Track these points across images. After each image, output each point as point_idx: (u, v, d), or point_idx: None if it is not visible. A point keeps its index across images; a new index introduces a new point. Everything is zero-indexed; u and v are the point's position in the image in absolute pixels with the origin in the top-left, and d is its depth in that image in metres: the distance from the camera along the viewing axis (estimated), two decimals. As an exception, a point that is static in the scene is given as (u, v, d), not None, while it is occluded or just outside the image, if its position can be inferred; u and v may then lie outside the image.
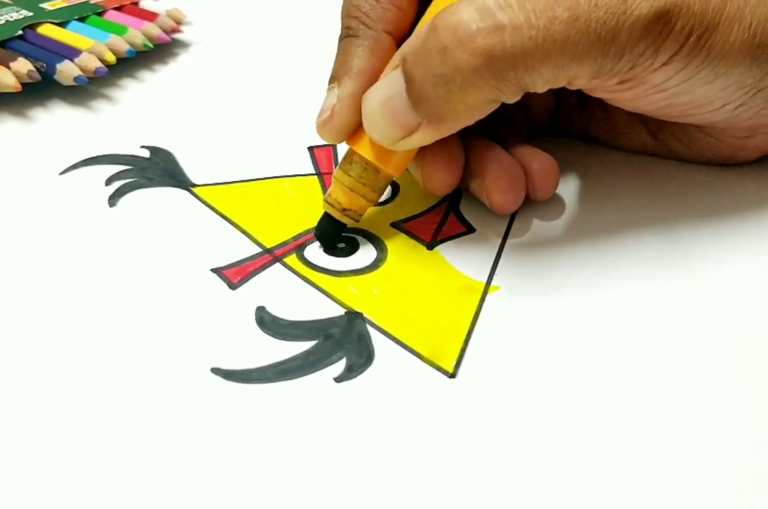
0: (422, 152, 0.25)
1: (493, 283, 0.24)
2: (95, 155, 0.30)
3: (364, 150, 0.24)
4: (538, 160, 0.26)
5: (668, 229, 0.26)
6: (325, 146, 0.30)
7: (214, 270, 0.25)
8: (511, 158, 0.25)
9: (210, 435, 0.20)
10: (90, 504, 0.18)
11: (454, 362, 0.22)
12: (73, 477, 0.19)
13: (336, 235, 0.26)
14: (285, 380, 0.21)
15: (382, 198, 0.27)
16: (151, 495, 0.19)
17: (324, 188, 0.28)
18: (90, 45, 0.33)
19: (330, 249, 0.26)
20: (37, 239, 0.26)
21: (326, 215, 0.25)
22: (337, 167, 0.25)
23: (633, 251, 0.25)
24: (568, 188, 0.28)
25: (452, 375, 0.21)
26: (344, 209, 0.25)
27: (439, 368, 0.22)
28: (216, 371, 0.22)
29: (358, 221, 0.25)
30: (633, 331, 0.23)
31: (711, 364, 0.22)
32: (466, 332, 0.23)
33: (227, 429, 0.20)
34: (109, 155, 0.30)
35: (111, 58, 0.33)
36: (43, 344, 0.22)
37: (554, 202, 0.27)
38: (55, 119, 0.33)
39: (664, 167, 0.29)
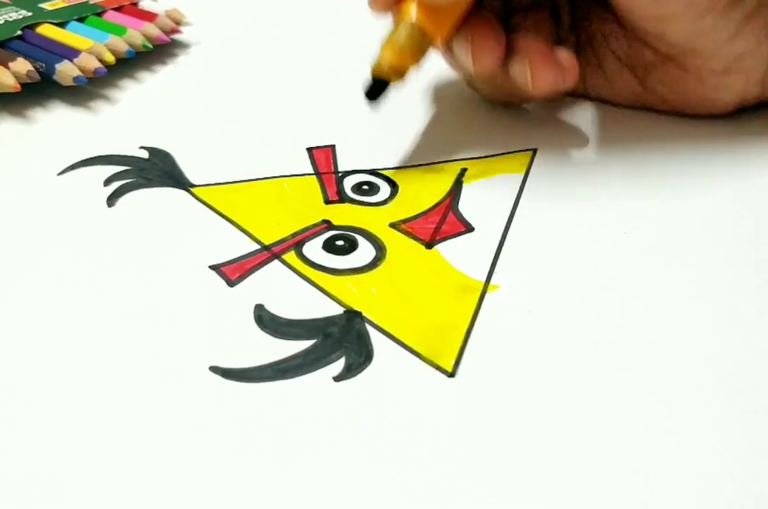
0: (466, 28, 0.27)
1: (492, 282, 0.24)
2: (94, 155, 0.30)
3: (411, 12, 0.26)
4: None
5: (673, 225, 0.26)
6: (323, 147, 0.30)
7: (212, 267, 0.25)
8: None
9: (208, 434, 0.20)
10: (86, 502, 0.18)
11: (453, 361, 0.22)
12: (69, 474, 0.19)
13: (382, 91, 0.28)
14: (284, 379, 0.21)
15: (381, 198, 0.28)
16: (147, 492, 0.19)
17: (323, 188, 0.28)
18: (89, 45, 0.33)
19: (375, 102, 0.28)
20: (36, 239, 0.26)
21: (373, 77, 0.27)
22: (387, 35, 0.27)
23: (634, 248, 0.25)
24: (570, 187, 0.28)
25: (451, 374, 0.21)
26: (392, 68, 0.27)
27: (438, 367, 0.22)
28: (214, 369, 0.22)
29: (402, 79, 0.27)
30: (633, 332, 0.23)
31: (714, 373, 0.22)
32: (465, 331, 0.22)
33: (225, 427, 0.20)
34: (107, 156, 0.30)
35: (110, 58, 0.33)
36: (41, 344, 0.22)
37: (556, 199, 0.27)
38: (54, 119, 0.33)
39: (664, 161, 0.29)
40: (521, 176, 0.28)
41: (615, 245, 0.25)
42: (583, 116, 0.32)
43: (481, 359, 0.22)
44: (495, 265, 0.25)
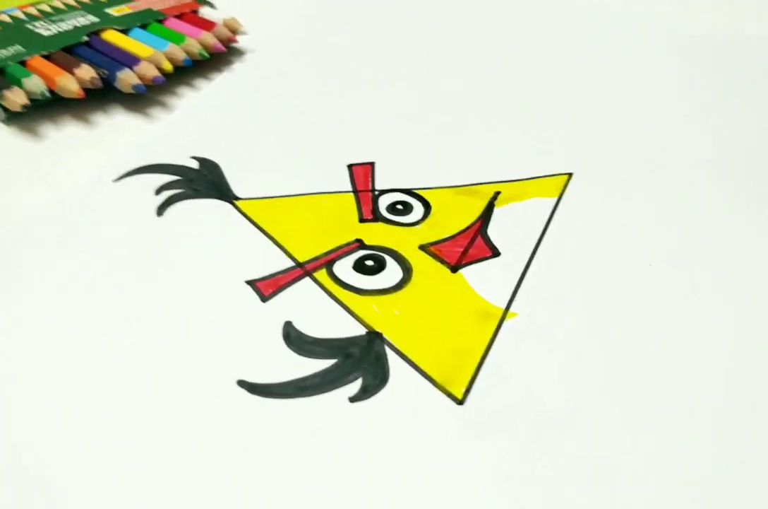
0: None
1: (512, 309, 0.25)
2: (149, 163, 0.32)
3: None
4: None
5: (701, 260, 0.26)
6: (363, 164, 0.31)
7: (248, 282, 0.26)
8: None
9: (229, 445, 0.22)
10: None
11: (463, 389, 0.23)
12: (90, 484, 0.21)
13: None
14: (304, 396, 0.23)
15: (414, 219, 0.28)
16: (164, 496, 0.20)
17: (359, 206, 0.29)
18: (150, 54, 0.35)
19: None
20: (86, 242, 0.28)
21: None
22: None
23: (658, 281, 0.26)
24: (602, 214, 0.28)
25: (460, 402, 0.22)
26: None
27: (448, 394, 0.23)
28: (241, 383, 0.23)
29: None
30: (652, 370, 0.23)
31: (734, 404, 0.22)
32: (479, 359, 0.23)
33: (243, 439, 0.22)
34: (160, 165, 0.32)
35: (168, 67, 0.35)
36: (73, 344, 0.24)
37: (586, 226, 0.28)
38: (114, 125, 0.34)
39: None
40: (554, 200, 0.29)
41: (639, 277, 0.26)
42: (621, 141, 0.32)
43: (491, 389, 0.23)
44: (516, 292, 0.26)
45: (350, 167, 0.31)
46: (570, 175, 0.30)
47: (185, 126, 0.34)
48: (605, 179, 0.30)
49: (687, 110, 0.34)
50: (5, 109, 0.34)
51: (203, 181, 0.31)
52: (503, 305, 0.25)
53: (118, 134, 0.34)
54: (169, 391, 0.23)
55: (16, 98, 0.33)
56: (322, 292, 0.26)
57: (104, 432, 0.22)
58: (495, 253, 0.27)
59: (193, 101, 0.35)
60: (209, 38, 0.36)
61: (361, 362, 0.24)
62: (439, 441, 0.21)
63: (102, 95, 0.35)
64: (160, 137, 0.33)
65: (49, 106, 0.35)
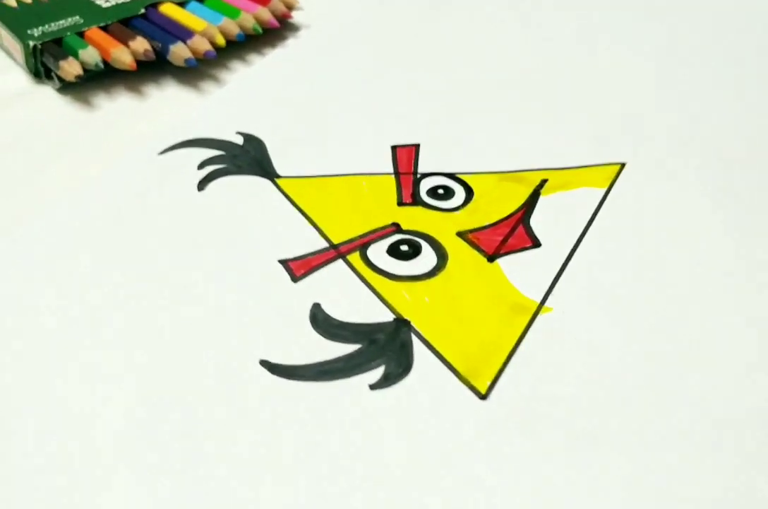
0: None
1: (547, 303, 0.24)
2: (195, 137, 0.32)
3: None
4: None
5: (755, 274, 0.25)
6: (407, 145, 0.30)
7: (281, 261, 0.26)
8: None
9: (246, 424, 0.21)
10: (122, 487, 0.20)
11: (488, 383, 0.22)
12: (111, 456, 0.21)
13: None
14: (325, 380, 0.22)
15: (455, 204, 0.28)
16: (187, 470, 0.20)
17: (399, 189, 0.29)
18: (203, 27, 0.35)
19: None
20: (126, 215, 0.28)
21: None
22: None
23: (706, 287, 0.24)
24: (652, 208, 0.27)
25: (483, 396, 0.22)
26: None
27: (472, 388, 0.22)
28: (264, 363, 0.23)
29: None
30: (688, 377, 0.22)
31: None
32: (507, 353, 0.23)
33: (264, 420, 0.21)
34: (206, 139, 0.32)
35: (221, 41, 0.35)
36: (104, 313, 0.24)
37: (633, 220, 0.26)
38: (165, 98, 0.34)
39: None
40: (603, 191, 0.28)
41: (687, 280, 0.24)
42: (679, 131, 0.30)
43: (516, 385, 0.22)
44: (554, 286, 0.24)
45: (394, 148, 0.30)
46: (622, 165, 0.28)
47: (234, 101, 0.34)
48: (659, 171, 0.28)
49: (759, 100, 0.32)
50: (60, 79, 0.34)
51: (246, 157, 0.31)
52: (538, 299, 0.24)
53: (169, 107, 0.34)
54: (192, 366, 0.23)
55: (71, 69, 0.33)
56: (354, 275, 0.26)
57: (124, 399, 0.22)
58: (536, 243, 0.26)
59: (244, 76, 0.35)
60: (264, 13, 0.36)
61: (385, 349, 0.23)
62: (458, 435, 0.21)
63: (156, 68, 0.35)
64: (209, 111, 0.33)
65: (103, 77, 0.35)
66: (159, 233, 0.27)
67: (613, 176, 0.28)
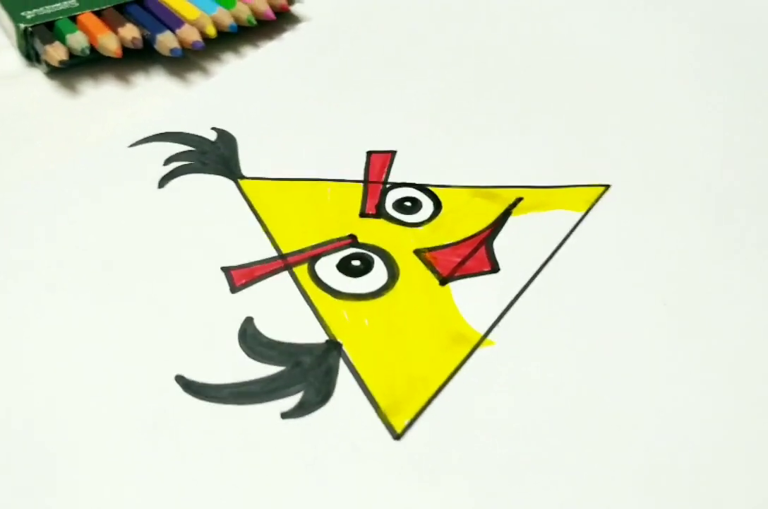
0: None
1: (491, 336, 0.22)
2: (172, 129, 0.30)
3: None
4: None
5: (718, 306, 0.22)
6: (384, 152, 0.28)
7: (224, 269, 0.25)
8: None
9: (144, 440, 0.20)
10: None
11: (406, 422, 0.20)
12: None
13: None
14: (238, 403, 0.21)
15: (420, 218, 0.26)
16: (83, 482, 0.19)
17: (364, 198, 0.27)
18: (196, 16, 0.33)
19: None
20: (80, 205, 0.27)
21: None
22: None
23: (671, 324, 0.22)
24: (628, 238, 0.24)
25: (398, 436, 0.20)
26: None
27: (388, 425, 0.20)
28: (179, 379, 0.22)
29: None
30: (617, 424, 0.19)
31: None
32: (434, 391, 0.21)
33: (165, 437, 0.20)
34: (178, 134, 0.30)
35: (212, 31, 0.33)
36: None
37: (605, 250, 0.24)
38: (151, 88, 0.33)
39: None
40: (580, 215, 0.25)
41: (650, 317, 0.22)
42: (675, 156, 0.27)
43: (435, 426, 0.20)
44: (502, 317, 0.22)
45: (369, 154, 0.28)
46: (606, 187, 0.26)
47: (217, 94, 0.32)
48: (646, 197, 0.26)
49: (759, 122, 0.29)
50: (47, 63, 0.33)
51: (215, 154, 0.29)
52: (483, 330, 0.22)
53: (152, 97, 0.33)
54: (103, 371, 0.22)
55: (56, 53, 0.32)
56: (296, 289, 0.24)
57: (28, 399, 0.21)
58: (494, 268, 0.24)
59: (234, 69, 0.34)
60: (261, 5, 0.34)
61: (308, 375, 0.21)
62: (361, 476, 0.19)
63: (147, 56, 0.34)
64: (191, 103, 0.32)
65: (94, 63, 0.34)
66: (106, 228, 0.26)
67: (593, 199, 0.25)
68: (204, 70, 0.34)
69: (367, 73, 0.33)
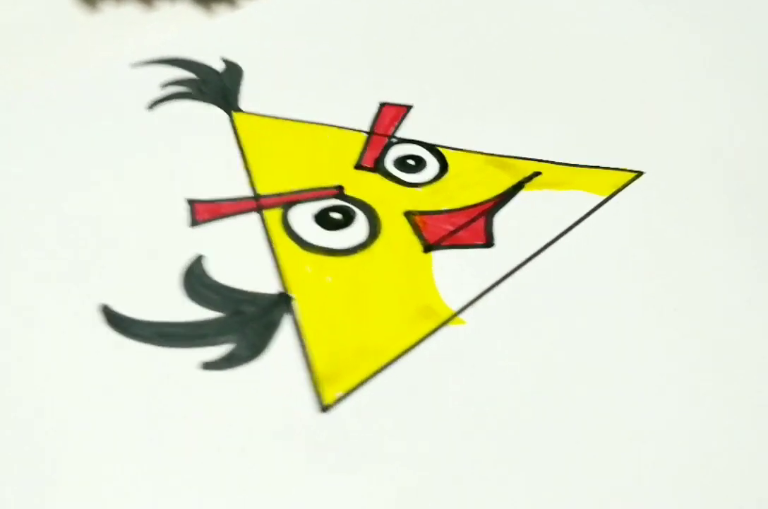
0: None
1: (463, 314, 0.19)
2: (180, 56, 0.28)
3: None
4: None
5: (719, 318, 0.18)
6: (398, 105, 0.25)
7: (189, 201, 0.22)
8: None
9: (62, 375, 0.17)
10: None
11: (338, 395, 0.17)
12: None
13: None
14: (161, 345, 0.18)
15: (421, 179, 0.23)
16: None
17: (364, 150, 0.24)
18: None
19: None
20: (67, 120, 0.25)
21: None
22: None
23: (674, 332, 0.18)
24: (647, 232, 0.21)
25: (325, 408, 0.17)
26: None
27: (318, 395, 0.17)
28: (105, 309, 0.19)
29: None
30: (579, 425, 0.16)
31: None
32: (382, 365, 0.17)
33: (72, 373, 0.17)
34: (185, 60, 0.28)
35: (248, -39, 0.31)
36: None
37: (618, 242, 0.21)
38: (173, 12, 0.31)
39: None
40: (601, 199, 0.22)
41: (649, 322, 0.18)
42: (720, 145, 0.24)
43: (374, 404, 0.17)
44: (481, 297, 0.19)
45: (382, 105, 0.25)
46: (638, 174, 0.22)
47: (238, 27, 0.30)
48: (677, 191, 0.22)
49: None
50: (70, -27, 0.31)
51: (216, 84, 0.26)
52: (456, 308, 0.19)
53: (171, 23, 0.30)
54: (31, 293, 0.19)
55: (79, -39, 0.30)
56: (262, 234, 0.21)
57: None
58: (489, 243, 0.21)
59: (262, 4, 0.31)
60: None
61: (245, 326, 0.18)
62: (272, 449, 0.16)
63: (178, -19, 0.32)
64: (207, 32, 0.29)
65: (122, -18, 0.32)
66: (85, 143, 0.24)
67: (621, 184, 0.22)
68: (231, 2, 0.31)
69: (400, 26, 0.29)
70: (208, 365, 0.18)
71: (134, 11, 0.31)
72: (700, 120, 0.24)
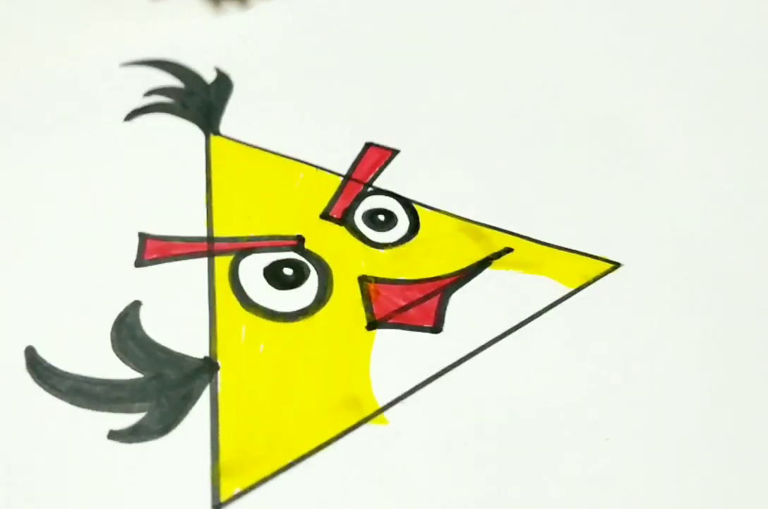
0: None
1: (387, 412, 0.18)
2: (173, 56, 0.27)
3: None
4: None
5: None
6: (385, 148, 0.24)
7: (142, 234, 0.21)
8: None
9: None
10: None
11: (236, 490, 0.16)
12: None
13: None
14: (75, 403, 0.18)
15: (387, 239, 0.21)
16: None
17: (335, 197, 0.22)
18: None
19: None
20: (41, 117, 0.24)
21: None
22: None
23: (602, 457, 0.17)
24: (609, 337, 0.20)
25: (218, 506, 0.16)
26: None
27: (216, 487, 0.16)
28: (28, 352, 0.18)
29: None
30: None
31: None
32: (288, 462, 0.17)
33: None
34: (176, 65, 0.26)
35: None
36: None
37: (573, 345, 0.19)
38: (183, 6, 0.29)
39: None
40: (567, 291, 0.20)
41: (579, 448, 0.17)
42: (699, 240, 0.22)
43: (267, 505, 0.16)
44: (413, 392, 0.18)
45: (368, 145, 0.24)
46: (616, 266, 0.21)
47: (241, 30, 0.28)
48: (656, 289, 0.20)
49: None
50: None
51: (201, 98, 0.25)
52: (382, 403, 0.18)
53: (174, 18, 0.29)
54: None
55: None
56: (206, 283, 0.20)
57: None
58: (437, 327, 0.19)
59: (272, 6, 0.29)
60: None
61: (161, 394, 0.18)
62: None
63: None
64: (207, 32, 0.28)
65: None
66: (52, 149, 0.23)
67: (593, 276, 0.20)
68: (242, 2, 0.30)
69: (400, 62, 0.27)
70: (113, 435, 0.17)
71: (145, 2, 0.30)
72: (686, 216, 0.22)
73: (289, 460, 0.17)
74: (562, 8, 0.29)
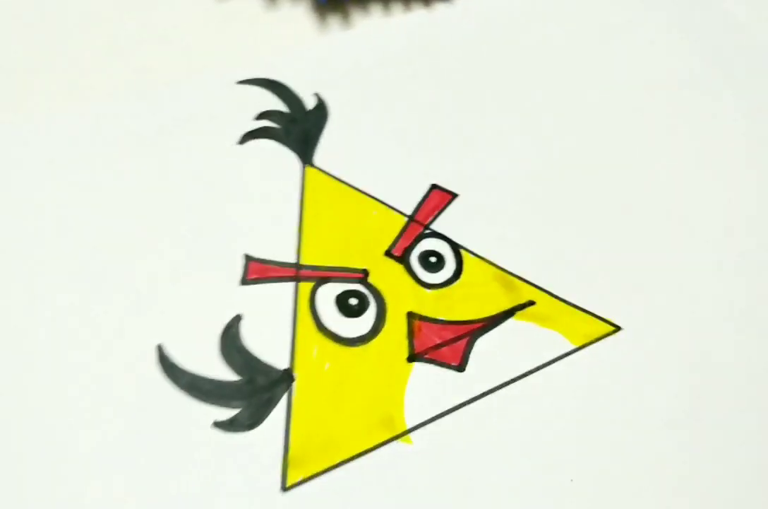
0: None
1: (413, 434, 0.24)
2: (279, 77, 0.31)
3: None
4: None
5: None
6: (446, 191, 0.28)
7: (248, 256, 0.27)
8: None
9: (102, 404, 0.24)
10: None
11: (300, 478, 0.23)
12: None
13: None
14: (189, 394, 0.24)
15: (435, 280, 0.27)
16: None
17: (399, 236, 0.27)
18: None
19: None
20: (157, 136, 0.29)
21: None
22: None
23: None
24: (607, 392, 0.25)
25: (286, 489, 0.23)
26: None
27: (284, 474, 0.23)
28: (159, 348, 0.25)
29: None
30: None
31: None
32: (337, 462, 0.23)
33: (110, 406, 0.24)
34: (284, 87, 0.31)
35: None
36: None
37: (577, 396, 0.25)
38: (287, 16, 0.33)
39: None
40: (572, 348, 0.25)
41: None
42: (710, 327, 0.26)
43: (324, 493, 0.23)
44: (434, 420, 0.24)
45: (433, 187, 0.29)
46: (616, 329, 0.26)
47: (341, 51, 0.32)
48: (654, 355, 0.26)
49: None
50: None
51: (302, 127, 0.30)
52: (410, 424, 0.24)
53: (282, 32, 0.32)
54: (85, 335, 0.25)
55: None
56: (291, 304, 0.26)
57: None
58: (461, 366, 0.25)
59: (376, 27, 0.33)
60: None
61: (253, 395, 0.24)
62: (237, 509, 0.22)
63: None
64: (316, 50, 0.32)
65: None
66: (163, 168, 0.28)
67: (595, 336, 0.26)
68: (345, 20, 0.33)
69: (484, 106, 0.31)
70: (218, 424, 0.24)
71: (252, 7, 0.33)
72: (691, 288, 0.27)
73: (338, 461, 0.23)
74: (638, 63, 0.32)
